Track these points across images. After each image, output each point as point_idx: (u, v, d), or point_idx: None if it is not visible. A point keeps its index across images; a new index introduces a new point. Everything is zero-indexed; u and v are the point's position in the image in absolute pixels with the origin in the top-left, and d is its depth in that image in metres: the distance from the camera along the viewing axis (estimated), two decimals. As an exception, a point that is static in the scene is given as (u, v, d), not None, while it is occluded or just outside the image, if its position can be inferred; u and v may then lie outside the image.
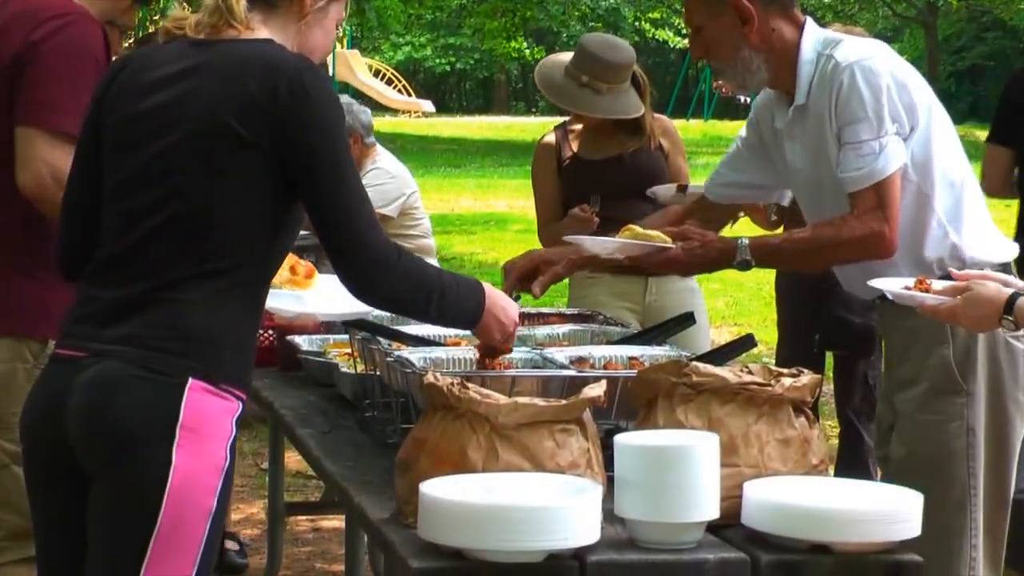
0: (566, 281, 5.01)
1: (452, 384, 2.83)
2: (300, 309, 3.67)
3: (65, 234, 3.02)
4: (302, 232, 3.00)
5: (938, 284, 3.39)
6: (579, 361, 3.42)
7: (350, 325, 3.77)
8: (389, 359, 3.38)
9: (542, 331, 3.92)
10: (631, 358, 3.50)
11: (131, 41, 5.20)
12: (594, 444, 2.88)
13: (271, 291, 3.39)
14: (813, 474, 2.94)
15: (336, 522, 6.13)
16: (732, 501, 2.81)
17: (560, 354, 3.45)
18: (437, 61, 44.48)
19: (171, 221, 2.81)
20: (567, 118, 5.53)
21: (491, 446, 2.78)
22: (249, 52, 2.85)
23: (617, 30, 33.53)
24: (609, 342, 3.82)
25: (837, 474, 4.89)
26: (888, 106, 3.60)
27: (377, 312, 3.52)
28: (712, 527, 2.77)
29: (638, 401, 3.05)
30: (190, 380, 2.75)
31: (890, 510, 2.77)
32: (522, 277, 3.90)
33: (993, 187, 5.91)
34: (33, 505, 2.94)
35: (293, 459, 6.22)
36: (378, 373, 3.57)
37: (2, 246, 3.77)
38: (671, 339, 3.86)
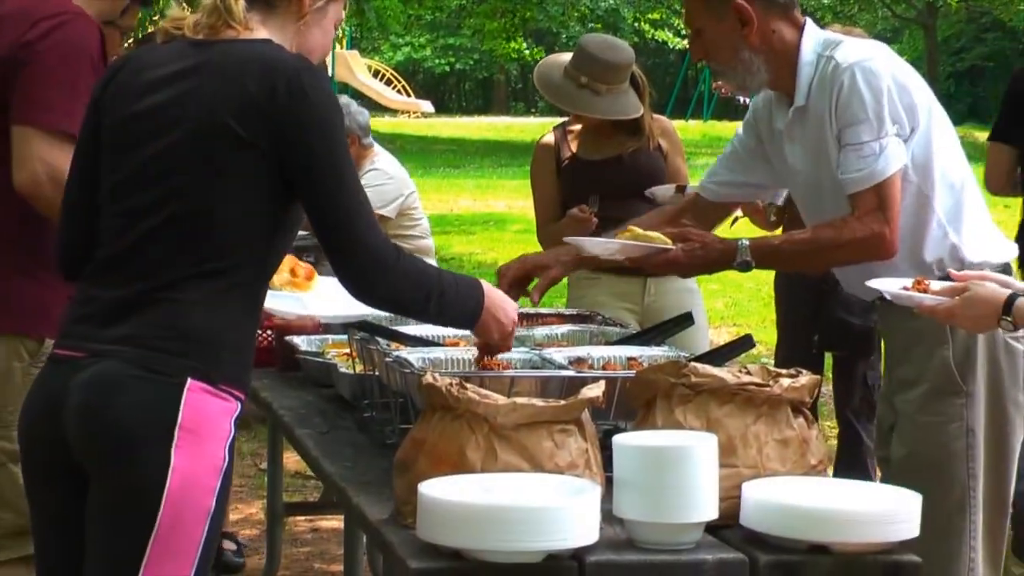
0: (564, 282, 5.01)
1: (451, 384, 2.83)
2: (301, 311, 3.67)
3: (65, 234, 3.02)
4: (301, 232, 3.00)
5: (936, 285, 3.39)
6: (578, 362, 3.42)
7: (349, 326, 3.77)
8: (388, 359, 3.38)
9: (541, 331, 3.92)
10: (630, 359, 3.50)
11: (130, 41, 5.20)
12: (593, 444, 2.88)
13: (272, 293, 3.39)
14: (812, 475, 2.94)
15: (335, 522, 6.13)
16: (731, 501, 2.81)
17: (559, 354, 3.45)
18: (436, 62, 44.49)
19: (170, 221, 2.81)
20: (566, 118, 5.53)
21: (490, 446, 2.78)
22: (248, 52, 2.85)
23: (616, 31, 33.52)
24: (608, 343, 3.82)
25: (836, 475, 4.90)
26: (888, 107, 3.60)
27: (376, 313, 3.52)
28: (711, 527, 2.77)
29: (637, 402, 3.05)
30: (189, 380, 2.75)
31: (889, 511, 2.77)
32: (515, 283, 3.89)
33: (996, 185, 5.91)
34: (31, 505, 2.94)
35: (292, 459, 6.22)
36: (377, 373, 3.57)
37: (-1, 245, 3.77)
38: (670, 340, 3.85)
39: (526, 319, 3.95)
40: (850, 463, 5.85)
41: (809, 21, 3.78)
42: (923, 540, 2.81)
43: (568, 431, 2.83)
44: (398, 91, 35.96)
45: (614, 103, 5.19)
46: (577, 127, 5.42)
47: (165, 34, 2.94)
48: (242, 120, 2.78)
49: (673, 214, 4.18)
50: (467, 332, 3.32)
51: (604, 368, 3.44)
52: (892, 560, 2.75)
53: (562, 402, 2.84)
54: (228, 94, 2.79)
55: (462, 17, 34.50)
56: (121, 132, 2.90)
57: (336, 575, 5.71)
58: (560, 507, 2.60)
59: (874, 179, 3.59)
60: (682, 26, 26.48)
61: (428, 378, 2.87)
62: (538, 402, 2.82)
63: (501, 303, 3.10)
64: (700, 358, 3.35)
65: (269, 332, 4.53)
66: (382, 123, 30.23)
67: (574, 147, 5.37)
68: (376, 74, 35.91)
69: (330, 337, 4.38)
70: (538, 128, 19.98)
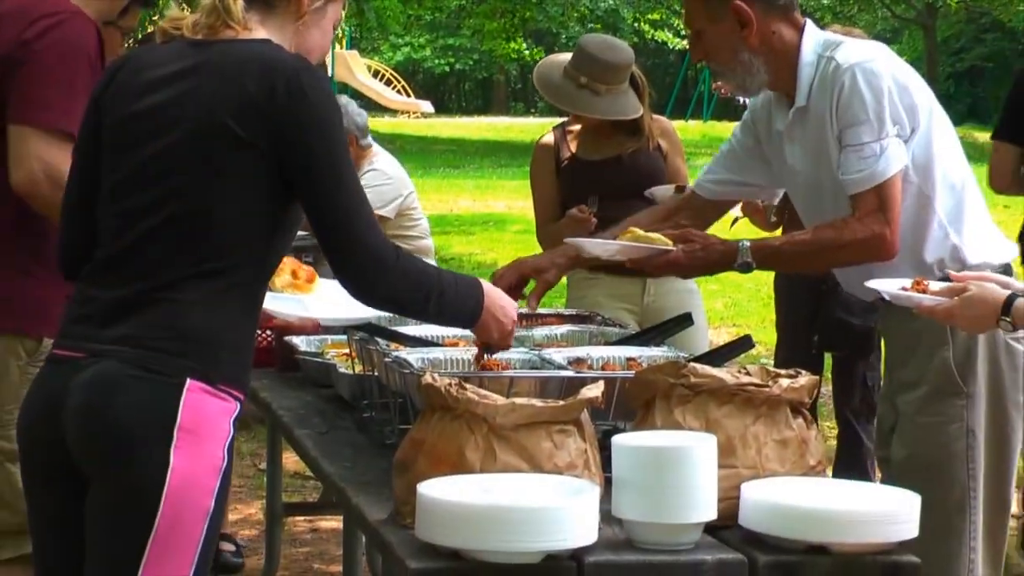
0: (564, 282, 5.01)
1: (450, 385, 2.82)
2: (303, 314, 3.67)
3: (65, 234, 3.02)
4: (300, 232, 3.00)
5: (935, 285, 3.39)
6: (577, 362, 3.42)
7: (351, 328, 3.77)
8: (387, 360, 3.38)
9: (540, 332, 3.92)
10: (629, 359, 3.50)
11: (130, 41, 5.20)
12: (592, 445, 2.87)
13: (274, 295, 3.38)
14: (811, 475, 2.94)
15: (334, 523, 6.13)
16: (730, 502, 2.81)
17: (558, 355, 3.45)
18: (436, 62, 44.48)
19: (169, 221, 2.81)
20: (566, 119, 5.53)
21: (489, 447, 2.78)
22: (247, 52, 2.84)
23: (616, 31, 33.50)
24: (607, 343, 3.82)
25: (835, 475, 4.90)
26: (889, 108, 3.60)
27: (379, 316, 3.52)
28: (710, 528, 2.77)
29: (636, 402, 3.05)
30: (188, 380, 2.75)
31: (888, 511, 2.77)
32: (511, 288, 3.88)
33: (1001, 184, 5.90)
34: (30, 506, 2.94)
35: (291, 460, 6.22)
36: (376, 374, 3.57)
37: (-3, 245, 3.77)
38: (669, 340, 3.85)
39: (525, 319, 3.94)
40: (849, 464, 5.85)
41: (809, 22, 3.78)
42: (923, 540, 2.81)
43: (567, 431, 2.83)
44: (398, 91, 35.96)
45: (613, 103, 5.19)
46: (577, 127, 5.42)
47: (164, 34, 2.94)
48: (241, 120, 2.78)
49: (668, 212, 4.18)
50: (467, 332, 3.32)
51: (603, 368, 3.44)
52: (891, 561, 2.75)
53: (561, 402, 2.84)
54: (227, 94, 2.79)
55: (462, 17, 34.50)
56: (120, 132, 2.90)
57: (335, 575, 5.71)
58: (559, 507, 2.60)
59: (875, 180, 3.59)
60: (682, 26, 26.50)
61: (427, 378, 2.87)
62: (537, 402, 2.82)
63: (501, 302, 3.10)
64: (699, 359, 3.35)
65: (268, 332, 4.52)
66: (382, 123, 30.24)
67: (574, 147, 5.37)
68: (376, 74, 35.90)
69: (329, 337, 4.38)
70: (538, 128, 19.97)
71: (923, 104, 3.68)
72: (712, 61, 3.80)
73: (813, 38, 3.73)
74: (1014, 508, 4.00)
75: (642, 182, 5.15)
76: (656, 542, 2.71)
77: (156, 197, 2.82)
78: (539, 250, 4.98)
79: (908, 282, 3.45)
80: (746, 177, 4.03)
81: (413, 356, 3.39)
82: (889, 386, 3.93)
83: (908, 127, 3.64)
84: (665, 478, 2.69)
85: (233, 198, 2.80)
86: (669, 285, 5.24)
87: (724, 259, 3.71)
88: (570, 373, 3.26)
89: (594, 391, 2.88)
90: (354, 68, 33.61)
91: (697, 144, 24.40)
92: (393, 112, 35.22)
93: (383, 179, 6.84)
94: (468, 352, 3.43)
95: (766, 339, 8.19)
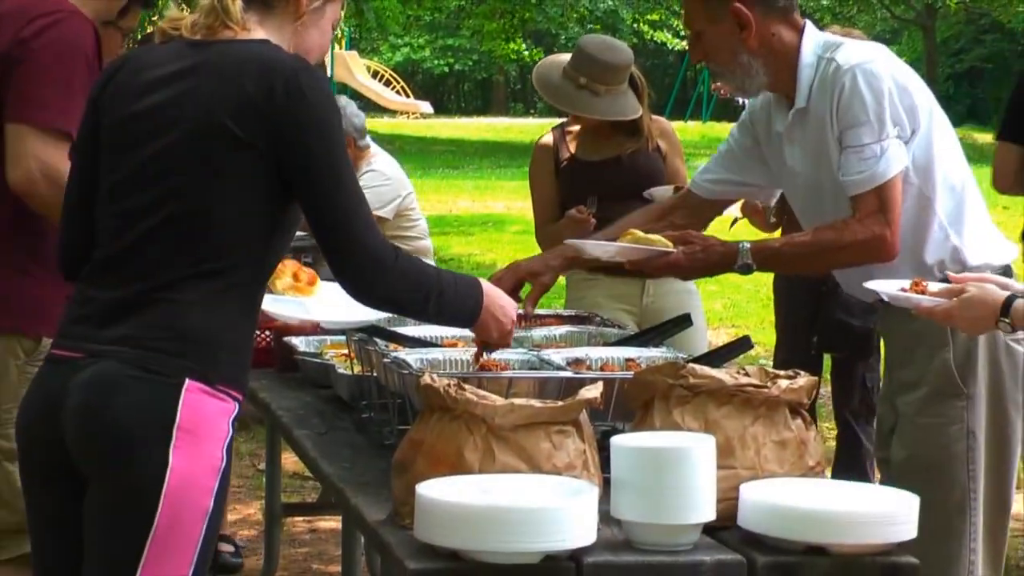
0: (563, 283, 5.01)
1: (449, 385, 2.82)
2: (304, 316, 3.67)
3: (65, 235, 3.02)
4: (299, 233, 3.00)
5: (934, 286, 3.39)
6: (576, 363, 3.42)
7: (352, 331, 3.77)
8: (386, 360, 3.38)
9: (539, 332, 3.92)
10: (628, 360, 3.50)
11: (129, 42, 5.20)
12: (590, 445, 2.87)
13: (275, 298, 3.38)
14: (810, 476, 2.94)
15: (333, 523, 6.13)
16: (728, 503, 2.81)
17: (557, 355, 3.45)
18: (435, 62, 44.50)
19: (168, 222, 2.81)
20: (565, 119, 5.53)
21: (488, 447, 2.78)
22: (245, 53, 2.84)
23: (615, 32, 33.51)
24: (606, 344, 3.82)
25: (834, 476, 4.90)
26: (890, 109, 3.60)
27: (381, 318, 3.52)
28: (708, 529, 2.77)
29: (635, 403, 3.05)
30: (187, 381, 2.75)
31: (887, 512, 2.77)
32: (508, 292, 3.87)
33: (1004, 184, 5.88)
34: (29, 506, 2.94)
35: (290, 460, 6.21)
36: (375, 374, 3.57)
37: (-5, 244, 3.77)
38: (668, 341, 3.85)
39: (524, 320, 3.94)
40: (848, 464, 5.85)
41: (809, 23, 3.77)
42: (923, 542, 2.81)
43: (566, 432, 2.83)
44: (397, 92, 35.97)
45: (613, 104, 5.19)
46: (576, 128, 5.42)
47: (163, 34, 2.94)
48: (240, 120, 2.78)
49: (663, 211, 4.17)
50: (466, 332, 3.32)
51: (602, 369, 3.44)
52: (890, 562, 2.75)
53: (560, 403, 2.84)
54: (226, 94, 2.79)
55: (461, 18, 34.51)
56: (119, 132, 2.90)
57: (334, 575, 5.71)
58: (558, 508, 2.60)
59: (875, 181, 3.59)
60: (681, 27, 26.52)
61: (426, 379, 2.87)
62: (536, 403, 2.82)
63: (500, 302, 3.10)
64: (698, 359, 3.35)
65: (268, 333, 4.52)
66: (381, 124, 30.26)
67: (573, 148, 5.37)
68: (375, 75, 35.92)
69: (328, 338, 4.38)
70: (537, 129, 19.99)
71: (923, 105, 3.68)
72: (711, 62, 3.80)
73: (813, 39, 3.73)
74: (1015, 509, 4.00)
75: (641, 183, 5.15)
76: (655, 543, 2.71)
77: (155, 197, 2.82)
78: (538, 251, 4.98)
79: (907, 283, 3.45)
80: (744, 177, 4.03)
81: (412, 357, 3.39)
82: (889, 387, 3.93)
83: (908, 128, 3.64)
84: (664, 479, 2.69)
85: (232, 198, 2.80)
86: (668, 286, 5.24)
87: (724, 260, 3.71)
88: (569, 374, 3.26)
89: (593, 392, 2.88)
90: (353, 69, 33.63)
91: (696, 145, 24.40)
92: (392, 113, 35.23)
93: (382, 180, 6.83)
94: (467, 353, 3.44)
95: (765, 340, 8.19)
